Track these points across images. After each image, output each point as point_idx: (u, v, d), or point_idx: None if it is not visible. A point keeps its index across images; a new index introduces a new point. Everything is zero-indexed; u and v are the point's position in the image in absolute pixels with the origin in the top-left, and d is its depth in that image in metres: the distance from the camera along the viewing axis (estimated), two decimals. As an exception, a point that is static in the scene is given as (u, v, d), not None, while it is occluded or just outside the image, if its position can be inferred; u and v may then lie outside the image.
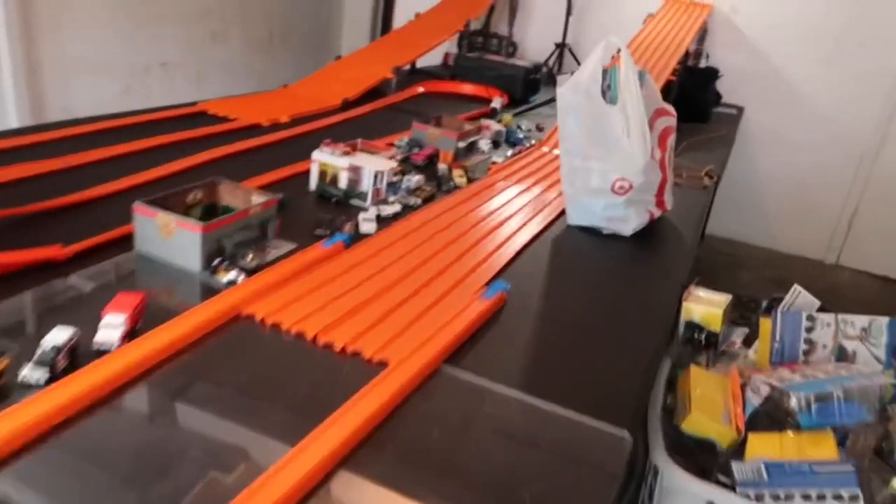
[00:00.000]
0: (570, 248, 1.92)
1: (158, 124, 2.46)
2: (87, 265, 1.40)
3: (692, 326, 1.61)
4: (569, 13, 4.66)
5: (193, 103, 2.76)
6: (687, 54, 4.12)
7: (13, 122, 3.73)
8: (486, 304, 1.41)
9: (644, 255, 1.93)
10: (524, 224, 1.95)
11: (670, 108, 2.06)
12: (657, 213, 2.00)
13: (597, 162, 1.91)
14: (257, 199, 1.59)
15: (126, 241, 1.49)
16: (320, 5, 6.12)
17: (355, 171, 1.92)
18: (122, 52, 4.42)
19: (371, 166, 1.90)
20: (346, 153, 1.93)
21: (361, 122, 2.97)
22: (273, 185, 2.01)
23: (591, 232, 1.99)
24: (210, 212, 1.64)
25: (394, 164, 1.98)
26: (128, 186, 1.84)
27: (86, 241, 1.44)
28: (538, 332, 1.45)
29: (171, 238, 1.41)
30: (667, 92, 3.62)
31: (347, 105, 3.11)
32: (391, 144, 2.44)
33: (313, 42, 6.17)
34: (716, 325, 1.59)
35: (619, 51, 1.90)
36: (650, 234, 2.00)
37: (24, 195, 1.64)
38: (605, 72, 1.90)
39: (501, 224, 1.92)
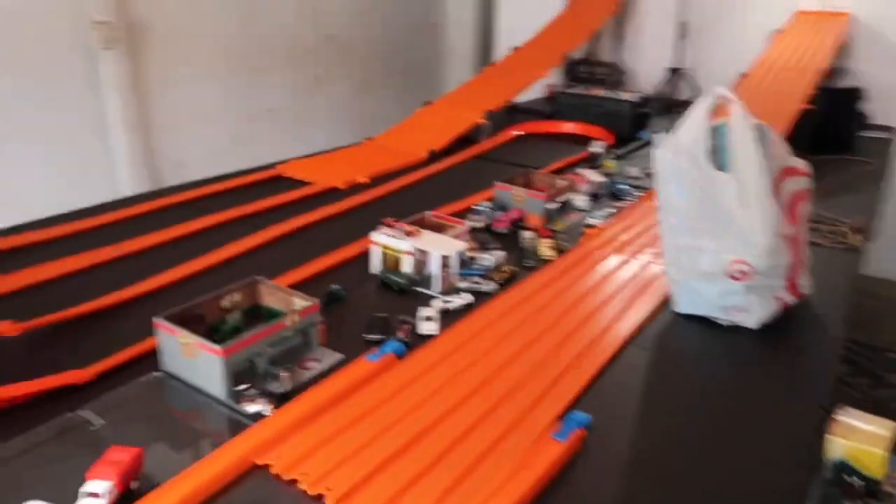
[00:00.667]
0: (677, 347, 1.58)
1: (237, 192, 2.37)
2: (111, 385, 1.26)
3: (843, 468, 1.23)
4: (682, 36, 4.24)
5: (272, 165, 2.67)
6: (824, 74, 3.60)
7: (125, 178, 3.87)
8: (559, 450, 1.12)
9: (774, 357, 1.55)
10: (620, 313, 1.64)
11: (801, 165, 1.67)
12: (790, 299, 1.62)
13: (708, 240, 1.57)
14: (298, 303, 1.39)
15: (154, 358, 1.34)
16: (421, 43, 6.05)
17: (421, 255, 1.69)
18: (230, 102, 4.52)
19: (437, 250, 1.67)
20: (409, 234, 1.71)
21: (447, 177, 2.76)
22: (336, 267, 1.83)
23: (706, 323, 1.63)
24: (252, 314, 1.47)
25: (464, 245, 1.73)
26: (185, 276, 1.73)
27: (109, 360, 1.30)
28: (629, 482, 1.14)
29: (194, 359, 1.24)
30: (802, 123, 3.14)
31: (434, 157, 2.92)
32: (473, 208, 2.20)
33: (415, 79, 6.11)
34: (877, 468, 1.21)
35: (727, 102, 1.56)
36: (784, 325, 1.62)
37: (73, 292, 1.56)
38: (712, 129, 1.57)
39: (592, 315, 1.62)
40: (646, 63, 4.68)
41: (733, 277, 1.55)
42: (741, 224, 1.51)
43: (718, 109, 1.61)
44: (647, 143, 3.36)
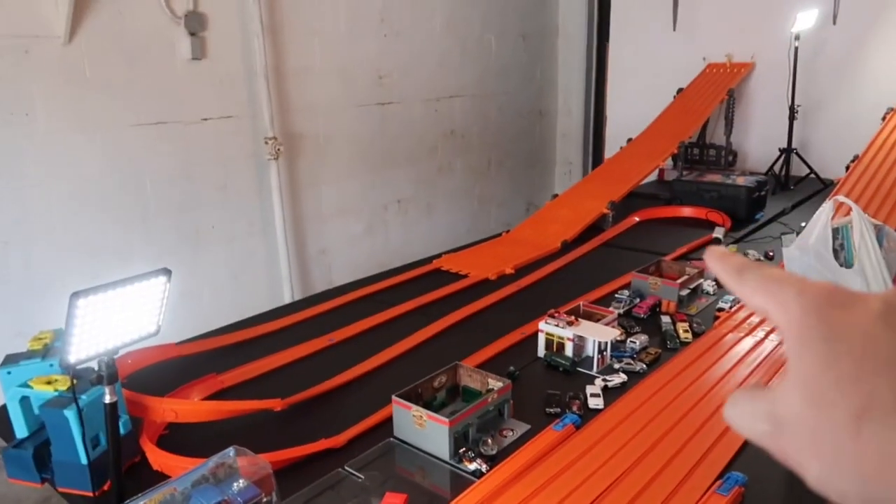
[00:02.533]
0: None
1: (401, 287, 2.81)
2: (354, 451, 1.65)
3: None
4: (793, 117, 4.46)
5: (429, 260, 3.11)
6: (941, 150, 3.71)
7: (284, 264, 4.43)
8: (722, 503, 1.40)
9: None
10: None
11: (921, 257, 1.90)
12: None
13: (836, 325, 1.81)
14: (493, 383, 1.76)
15: (385, 426, 1.72)
16: (532, 130, 6.52)
17: (580, 340, 2.03)
18: (365, 196, 5.08)
19: (594, 336, 2.00)
20: (569, 323, 2.06)
21: (581, 264, 3.10)
22: (504, 351, 2.19)
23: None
24: (453, 392, 1.84)
25: (616, 332, 2.06)
26: (387, 360, 2.14)
27: (354, 428, 1.70)
28: (783, 532, 1.40)
29: (423, 429, 1.61)
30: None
31: (566, 246, 3.27)
32: (615, 296, 2.52)
33: (528, 161, 6.57)
34: None
35: (844, 208, 1.83)
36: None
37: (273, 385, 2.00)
38: (835, 231, 1.83)
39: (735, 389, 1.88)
40: (756, 144, 4.91)
41: (862, 358, 1.78)
42: (866, 312, 1.75)
43: (838, 211, 1.88)
44: (764, 225, 3.58)
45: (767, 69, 4.80)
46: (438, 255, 3.16)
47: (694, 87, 4.86)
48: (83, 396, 1.41)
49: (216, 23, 3.84)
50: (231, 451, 1.32)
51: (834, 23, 4.54)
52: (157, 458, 1.54)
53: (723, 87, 4.70)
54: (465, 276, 2.89)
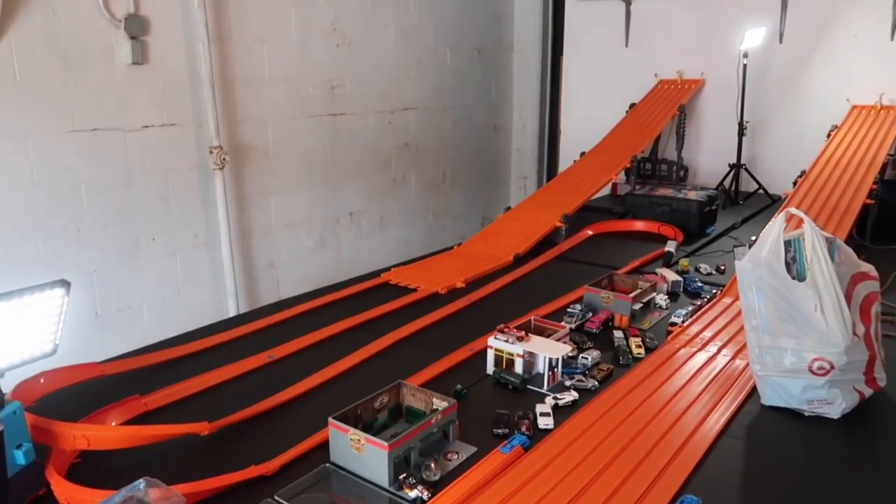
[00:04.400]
0: (768, 437, 1.76)
1: (348, 301, 2.69)
2: (287, 478, 1.52)
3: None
4: (742, 133, 4.51)
5: (377, 273, 3.00)
6: (884, 166, 3.78)
7: (229, 278, 4.25)
8: (676, 529, 1.32)
9: (857, 444, 1.72)
10: (713, 408, 1.83)
11: (870, 270, 1.88)
12: (868, 392, 1.79)
13: (789, 340, 1.78)
14: (438, 403, 1.66)
15: (321, 450, 1.60)
16: (488, 141, 6.48)
17: (530, 356, 1.95)
18: (316, 208, 4.94)
19: (545, 353, 1.92)
20: (520, 339, 1.97)
21: (533, 278, 3.04)
22: (453, 368, 2.09)
23: (791, 414, 1.82)
24: (396, 413, 1.74)
25: (567, 348, 1.98)
26: (329, 378, 2.02)
27: (287, 454, 1.58)
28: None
29: (361, 454, 1.50)
30: (864, 217, 3.32)
31: (519, 260, 3.21)
32: (567, 310, 2.45)
33: (483, 175, 6.52)
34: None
35: (798, 219, 1.80)
36: (863, 415, 1.79)
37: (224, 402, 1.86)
38: (787, 244, 1.80)
39: (687, 409, 1.82)
40: (707, 159, 4.96)
41: (815, 373, 1.74)
42: (820, 326, 1.71)
43: (790, 223, 1.85)
44: (715, 239, 3.58)
45: (717, 86, 4.87)
46: (388, 269, 3.05)
47: (646, 103, 4.89)
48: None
49: (159, 27, 3.67)
50: (141, 483, 1.19)
51: (780, 41, 4.63)
52: (64, 491, 1.39)
53: (674, 102, 4.74)
54: (415, 290, 2.79)
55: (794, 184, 3.69)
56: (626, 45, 5.29)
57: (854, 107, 4.36)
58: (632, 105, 4.98)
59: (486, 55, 6.25)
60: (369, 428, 1.65)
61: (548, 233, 3.46)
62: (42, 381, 1.72)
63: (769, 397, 1.85)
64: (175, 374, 2.03)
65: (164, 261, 3.95)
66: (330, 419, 1.55)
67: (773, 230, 1.81)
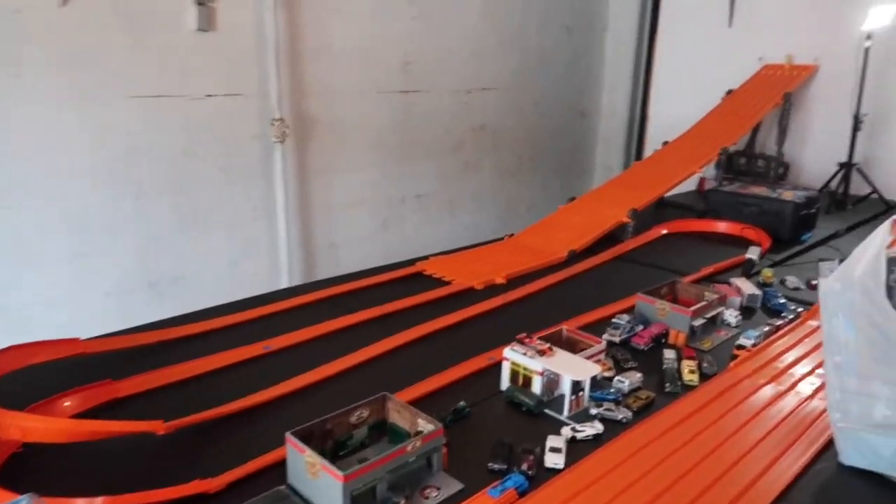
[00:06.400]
0: (843, 506, 1.38)
1: (370, 291, 2.46)
2: (235, 497, 1.30)
3: None
4: (856, 129, 3.92)
5: (412, 262, 2.74)
6: None
7: (283, 254, 4.13)
8: None
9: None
10: (775, 461, 1.46)
11: None
12: None
13: (883, 386, 1.37)
14: (423, 425, 1.38)
15: (280, 468, 1.37)
16: (572, 131, 6.08)
17: (553, 374, 1.63)
18: (382, 188, 4.75)
19: (569, 372, 1.60)
20: (541, 352, 1.66)
21: (586, 279, 2.69)
22: (466, 377, 1.81)
23: (878, 481, 1.42)
24: (379, 429, 1.48)
25: (598, 369, 1.65)
26: (323, 377, 1.79)
27: (239, 469, 1.36)
28: None
29: (316, 480, 1.26)
30: None
31: (574, 257, 2.86)
32: (612, 320, 2.10)
33: (565, 163, 6.13)
34: None
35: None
36: (977, 492, 1.37)
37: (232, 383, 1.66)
38: (892, 262, 1.40)
39: (740, 459, 1.46)
40: (813, 157, 4.38)
41: (915, 434, 1.34)
42: (925, 374, 1.31)
43: (896, 237, 1.45)
44: (812, 248, 3.10)
45: (832, 73, 4.27)
46: (425, 258, 2.79)
47: (746, 89, 4.36)
48: None
49: (227, -7, 3.56)
50: (24, 500, 0.99)
51: (913, 23, 3.98)
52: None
53: (779, 90, 4.18)
54: (448, 284, 2.51)
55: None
56: (730, 25, 4.75)
57: None
58: (728, 91, 4.46)
59: (576, 34, 5.83)
60: (342, 447, 1.40)
61: (611, 228, 3.08)
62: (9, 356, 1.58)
63: (850, 456, 1.46)
64: (161, 358, 1.86)
65: (222, 232, 3.86)
66: (287, 434, 1.31)
67: (874, 242, 1.41)
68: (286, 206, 4.09)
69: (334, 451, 1.40)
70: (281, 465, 1.36)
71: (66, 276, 3.24)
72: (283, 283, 4.16)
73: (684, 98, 4.86)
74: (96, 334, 1.93)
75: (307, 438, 1.31)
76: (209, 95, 3.69)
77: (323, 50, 4.09)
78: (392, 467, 1.29)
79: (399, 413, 1.45)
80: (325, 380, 1.78)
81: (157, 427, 1.43)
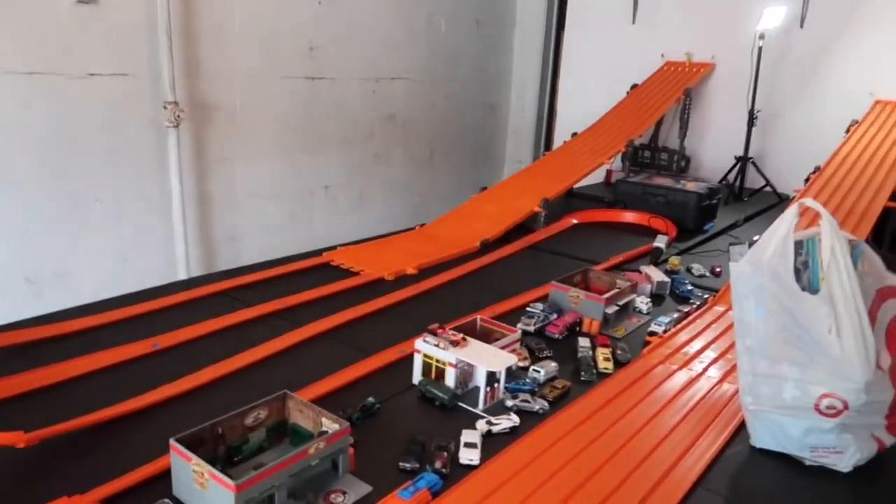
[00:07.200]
0: (756, 492, 1.36)
1: (274, 283, 2.30)
2: (115, 513, 1.14)
3: None
4: (751, 124, 4.09)
5: (319, 252, 2.60)
6: (908, 167, 3.36)
7: (180, 248, 3.86)
8: None
9: (873, 510, 1.33)
10: (689, 447, 1.44)
11: (901, 284, 1.48)
12: (890, 441, 1.40)
13: (791, 368, 1.38)
14: (328, 424, 1.27)
15: (164, 480, 1.22)
16: (481, 123, 6.07)
17: (466, 366, 1.55)
18: (288, 179, 4.53)
19: (483, 363, 1.53)
20: (454, 343, 1.58)
21: (499, 269, 2.64)
22: (376, 372, 1.71)
23: (788, 462, 1.42)
24: (278, 430, 1.35)
25: (513, 359, 1.59)
26: (218, 376, 1.63)
27: (115, 482, 1.19)
28: None
29: (205, 491, 1.12)
30: (883, 223, 2.92)
31: (487, 247, 2.81)
32: (526, 309, 2.05)
33: (476, 156, 6.11)
34: None
35: (815, 214, 1.40)
36: (881, 470, 1.39)
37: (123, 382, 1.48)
38: (798, 245, 1.40)
39: (656, 447, 1.43)
40: (711, 150, 4.54)
41: (823, 413, 1.35)
42: (833, 353, 1.32)
43: (804, 219, 1.45)
44: (714, 237, 3.18)
45: (728, 71, 4.43)
46: (334, 248, 2.65)
47: (649, 84, 4.46)
48: None
49: (111, -37, 3.26)
50: None
51: (801, 26, 4.19)
52: None
53: (679, 86, 4.31)
54: (357, 274, 2.39)
55: (806, 180, 3.29)
56: (633, 22, 4.85)
57: (878, 101, 3.94)
58: (633, 86, 4.55)
59: (486, 28, 5.80)
60: (235, 451, 1.26)
61: (523, 218, 3.05)
62: None
63: (761, 438, 1.46)
64: (32, 359, 1.64)
65: (110, 224, 3.55)
66: (172, 441, 1.16)
67: (782, 226, 1.41)
68: (182, 195, 3.81)
69: (228, 457, 1.26)
70: (166, 475, 1.21)
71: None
72: (180, 279, 3.89)
73: (592, 93, 4.93)
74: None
75: (195, 445, 1.17)
76: (92, 74, 3.38)
77: (221, 30, 3.85)
78: (293, 472, 1.16)
79: (301, 412, 1.33)
80: (219, 379, 1.63)
81: (18, 439, 1.24)
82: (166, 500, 1.15)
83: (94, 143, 3.35)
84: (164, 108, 3.62)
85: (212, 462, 1.15)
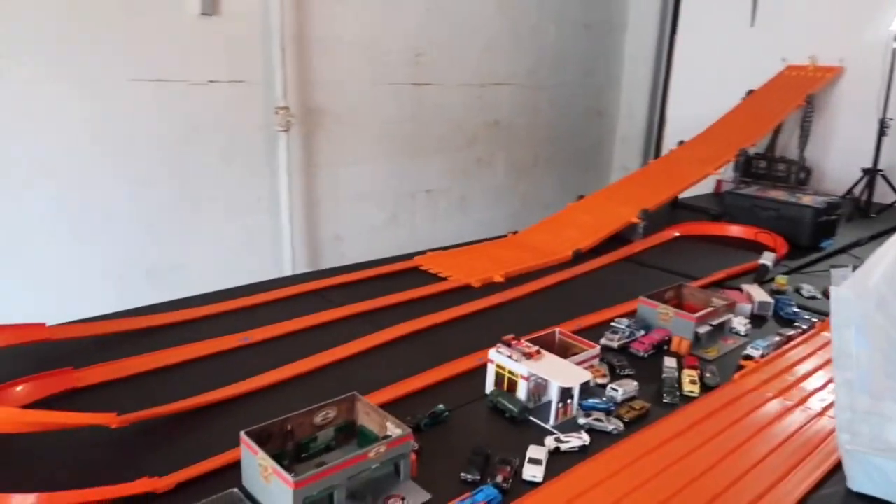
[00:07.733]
0: (848, 540, 1.25)
1: (364, 285, 2.36)
2: (184, 498, 1.20)
3: None
4: (882, 133, 3.75)
5: (410, 256, 2.64)
6: None
7: (287, 246, 4.05)
8: None
9: None
10: (776, 482, 1.34)
11: None
12: None
13: (897, 406, 1.25)
14: (392, 429, 1.28)
15: (235, 470, 1.27)
16: (588, 130, 5.95)
17: (540, 380, 1.52)
18: (390, 182, 4.64)
19: (556, 378, 1.49)
20: (528, 355, 1.55)
21: (590, 281, 2.56)
22: (451, 379, 1.71)
23: (888, 509, 1.29)
24: (347, 431, 1.38)
25: (587, 375, 1.54)
26: (300, 373, 1.69)
27: (191, 469, 1.26)
28: None
29: (269, 485, 1.16)
30: None
31: (579, 257, 2.74)
32: (611, 324, 1.98)
33: (581, 163, 6.00)
34: None
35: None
36: None
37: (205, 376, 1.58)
38: (912, 270, 1.27)
39: (739, 479, 1.33)
40: (836, 162, 4.21)
41: (932, 460, 1.21)
42: (945, 394, 1.18)
43: (918, 243, 1.31)
44: (831, 256, 2.95)
45: (857, 76, 4.09)
46: (423, 252, 2.68)
47: (767, 90, 4.19)
48: None
49: (232, -24, 3.48)
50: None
51: (944, 26, 3.80)
52: None
53: (801, 92, 4.02)
54: (444, 280, 2.41)
55: (944, 197, 2.98)
56: (752, 24, 4.58)
57: None
58: (749, 92, 4.30)
59: (595, 32, 5.69)
60: (303, 449, 1.30)
61: (619, 228, 2.95)
62: (-35, 339, 1.50)
63: (858, 481, 1.33)
64: (130, 347, 1.77)
65: (223, 222, 3.78)
66: (242, 434, 1.21)
67: (893, 248, 1.28)
68: (290, 196, 4.00)
69: (296, 453, 1.30)
70: (236, 466, 1.26)
71: (61, 260, 3.18)
72: (287, 275, 4.07)
73: (704, 98, 4.70)
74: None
75: (264, 439, 1.22)
76: (212, 81, 3.61)
77: (331, 40, 4.00)
78: (352, 473, 1.18)
79: (368, 415, 1.35)
80: (299, 376, 1.68)
81: (111, 420, 1.34)
82: (235, 490, 1.21)
83: (210, 146, 3.57)
84: (276, 113, 3.81)
85: (280, 457, 1.19)
